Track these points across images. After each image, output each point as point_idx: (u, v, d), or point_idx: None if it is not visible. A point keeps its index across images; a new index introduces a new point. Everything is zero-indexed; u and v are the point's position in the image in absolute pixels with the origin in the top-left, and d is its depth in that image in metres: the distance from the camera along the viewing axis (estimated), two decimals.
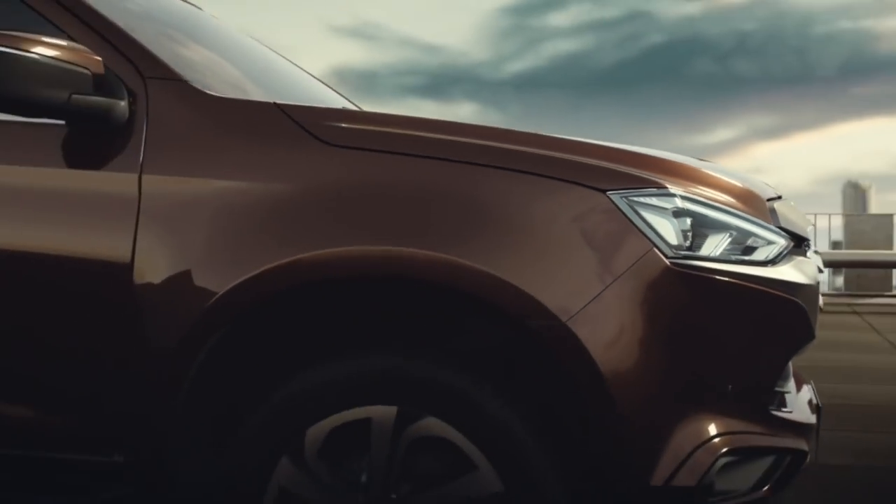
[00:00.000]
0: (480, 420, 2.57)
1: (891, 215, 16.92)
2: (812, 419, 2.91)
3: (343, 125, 2.74)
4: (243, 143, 2.74)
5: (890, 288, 16.56)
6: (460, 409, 2.57)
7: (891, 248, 16.54)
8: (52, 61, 2.67)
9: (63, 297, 2.76)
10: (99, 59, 2.77)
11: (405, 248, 2.57)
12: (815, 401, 3.09)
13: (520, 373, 2.70)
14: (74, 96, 2.70)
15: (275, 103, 2.82)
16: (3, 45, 2.63)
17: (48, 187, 2.79)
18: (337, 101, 4.17)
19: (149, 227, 2.72)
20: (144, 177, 2.74)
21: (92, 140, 2.80)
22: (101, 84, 2.75)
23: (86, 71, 2.72)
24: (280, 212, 2.67)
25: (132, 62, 2.84)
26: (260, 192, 2.69)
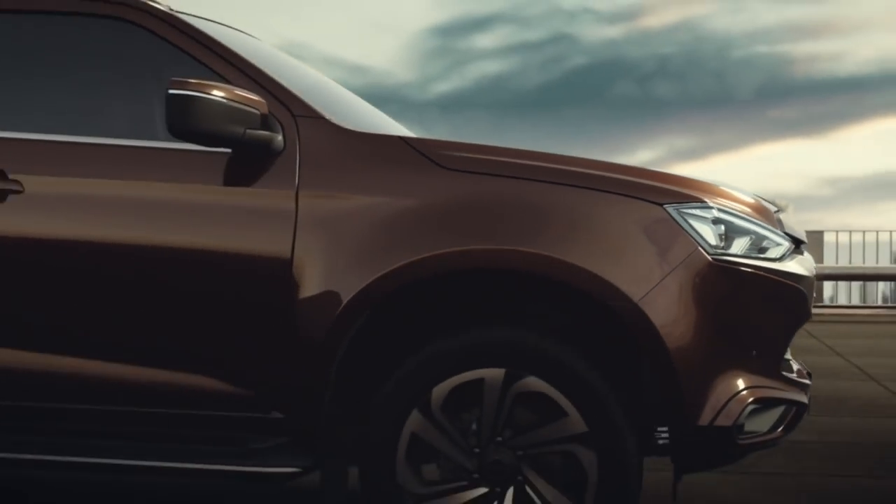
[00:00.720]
0: (571, 378, 3.37)
1: (821, 232, 18.08)
2: (807, 381, 3.77)
3: (454, 153, 3.54)
4: (377, 167, 3.52)
5: (821, 299, 17.73)
6: (555, 370, 3.38)
7: (821, 262, 17.68)
8: (233, 104, 3.43)
9: (235, 290, 3.51)
10: (263, 101, 3.54)
11: (512, 246, 3.37)
12: (804, 370, 3.94)
13: (601, 341, 3.52)
14: (248, 131, 3.47)
15: (399, 136, 3.61)
16: (197, 91, 3.39)
17: (221, 202, 3.55)
18: (393, 126, 4.88)
19: (304, 232, 3.49)
20: (300, 193, 3.52)
21: (254, 164, 3.56)
22: (265, 121, 3.52)
23: (255, 111, 3.49)
24: (408, 220, 3.45)
25: (285, 104, 3.61)
26: (391, 205, 3.47)
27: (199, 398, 3.58)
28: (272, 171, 3.56)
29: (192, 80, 3.40)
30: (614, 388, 3.38)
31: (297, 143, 3.58)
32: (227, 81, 3.63)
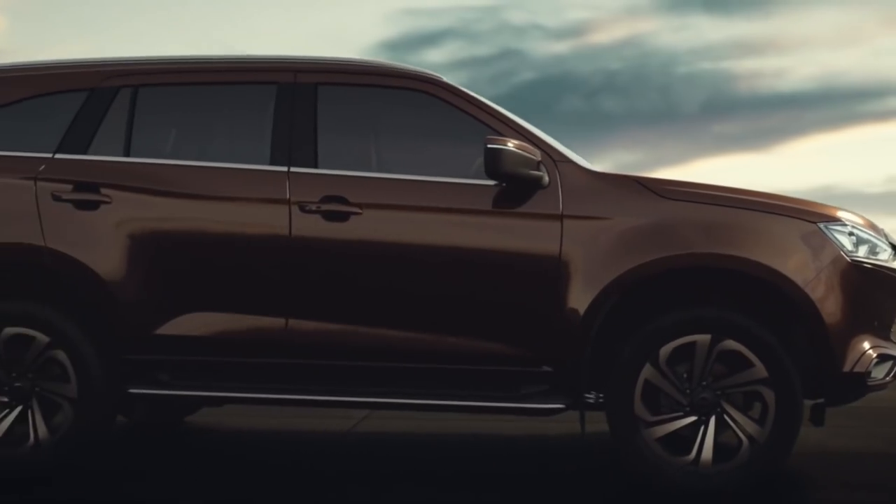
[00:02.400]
0: (756, 339, 4.96)
1: None
2: None
3: (670, 187, 5.12)
4: (616, 197, 5.09)
5: None
6: (746, 334, 4.96)
7: None
8: (524, 153, 4.99)
9: (520, 281, 5.06)
10: (538, 150, 5.10)
11: (717, 251, 4.97)
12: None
13: (776, 315, 5.13)
14: (531, 172, 5.03)
15: (630, 175, 5.18)
16: (504, 145, 4.93)
17: (508, 221, 5.10)
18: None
19: (568, 242, 5.05)
20: (564, 215, 5.08)
21: (528, 195, 5.11)
22: (537, 164, 5.08)
23: (534, 158, 5.05)
24: (640, 234, 5.03)
25: (547, 152, 5.18)
26: (628, 223, 5.04)
27: (491, 358, 5.12)
28: (542, 200, 5.11)
29: (501, 137, 4.97)
30: (788, 345, 5.00)
31: (559, 180, 5.14)
32: (503, 136, 5.18)
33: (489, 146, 4.96)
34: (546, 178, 5.14)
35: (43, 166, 5.39)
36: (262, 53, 5.63)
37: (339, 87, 5.42)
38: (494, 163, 4.96)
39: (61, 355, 5.32)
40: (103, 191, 5.32)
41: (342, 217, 5.19)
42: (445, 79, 5.44)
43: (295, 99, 5.39)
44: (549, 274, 5.07)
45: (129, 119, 5.48)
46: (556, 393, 5.15)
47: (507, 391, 5.18)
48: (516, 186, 5.14)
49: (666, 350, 5.04)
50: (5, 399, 5.36)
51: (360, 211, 5.18)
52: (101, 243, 5.28)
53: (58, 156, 5.43)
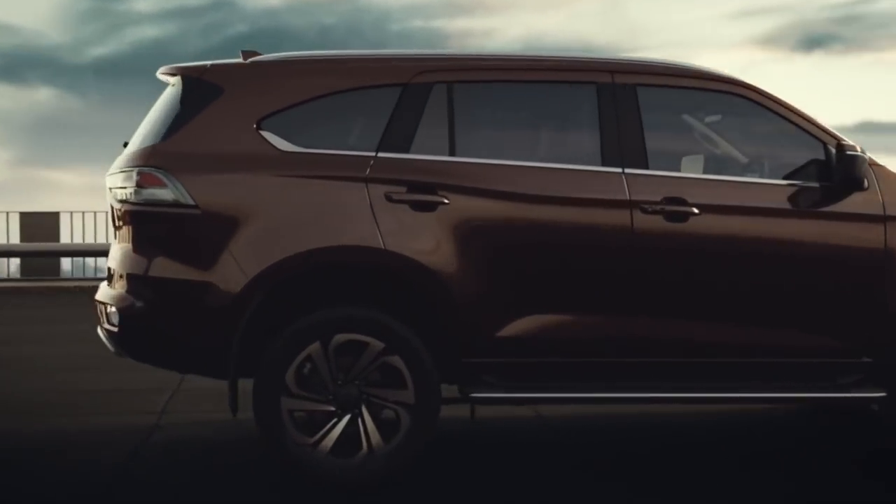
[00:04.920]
0: None
1: None
2: None
3: None
4: None
5: None
6: None
7: None
8: (862, 156, 5.27)
9: (847, 276, 5.35)
10: (864, 153, 5.38)
11: None
12: None
13: None
14: (867, 176, 5.32)
15: None
16: (856, 151, 5.20)
17: (833, 223, 5.37)
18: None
19: (891, 236, 5.38)
20: (888, 217, 5.41)
21: (846, 195, 5.38)
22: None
23: (864, 160, 5.33)
24: None
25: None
26: None
27: (812, 352, 5.40)
28: (864, 201, 5.41)
29: (852, 143, 5.23)
30: None
31: (877, 183, 5.46)
32: (820, 140, 5.44)
33: (848, 153, 5.23)
34: (867, 182, 5.44)
35: (370, 165, 5.19)
36: (570, 53, 5.63)
37: (656, 89, 5.49)
38: (850, 168, 5.23)
39: (397, 361, 5.16)
40: (440, 192, 5.19)
41: (682, 218, 5.30)
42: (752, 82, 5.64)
43: (617, 100, 5.42)
44: (875, 272, 5.39)
45: (450, 116, 5.34)
46: (871, 382, 5.48)
47: (823, 382, 5.47)
48: (842, 188, 5.40)
49: None
50: (332, 408, 5.16)
51: (697, 212, 5.31)
52: (441, 246, 5.16)
53: (381, 154, 5.23)
